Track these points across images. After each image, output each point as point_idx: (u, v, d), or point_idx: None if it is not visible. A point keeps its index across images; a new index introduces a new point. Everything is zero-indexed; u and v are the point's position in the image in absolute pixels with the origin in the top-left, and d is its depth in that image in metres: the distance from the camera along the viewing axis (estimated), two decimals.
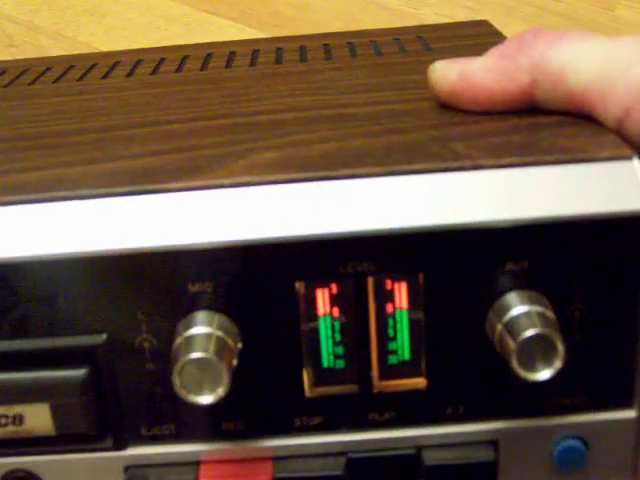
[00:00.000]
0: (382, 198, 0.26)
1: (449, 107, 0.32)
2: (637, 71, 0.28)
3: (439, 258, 0.27)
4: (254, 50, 0.47)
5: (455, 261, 0.27)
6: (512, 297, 0.26)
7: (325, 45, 0.47)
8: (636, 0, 0.70)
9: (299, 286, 0.27)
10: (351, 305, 0.27)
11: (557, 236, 0.26)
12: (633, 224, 0.26)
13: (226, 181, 0.27)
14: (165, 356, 0.27)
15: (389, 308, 0.27)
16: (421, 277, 0.27)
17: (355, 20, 0.71)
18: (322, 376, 0.28)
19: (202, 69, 0.44)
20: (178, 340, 0.26)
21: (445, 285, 0.27)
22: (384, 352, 0.28)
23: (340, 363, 0.28)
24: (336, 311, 0.27)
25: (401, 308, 0.27)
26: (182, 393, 0.25)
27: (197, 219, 0.26)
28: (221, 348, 0.25)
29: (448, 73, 0.32)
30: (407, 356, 0.28)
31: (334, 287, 0.27)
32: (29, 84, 0.43)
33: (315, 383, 0.28)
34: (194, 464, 0.29)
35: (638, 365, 0.28)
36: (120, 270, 0.26)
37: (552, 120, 0.30)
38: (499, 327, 0.26)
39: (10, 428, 0.27)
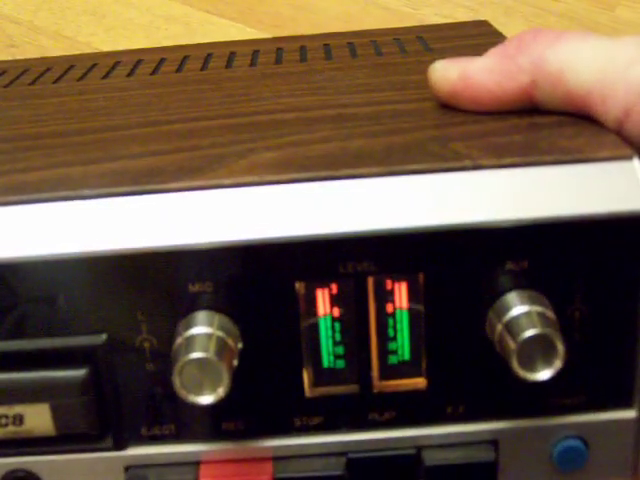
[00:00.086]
0: (382, 198, 0.26)
1: (449, 107, 0.32)
2: (637, 72, 0.28)
3: (439, 258, 0.27)
4: (254, 50, 0.47)
5: (455, 261, 0.27)
6: (512, 297, 0.26)
7: (325, 45, 0.47)
8: (636, 0, 0.70)
9: (299, 286, 0.27)
10: (351, 305, 0.27)
11: (557, 236, 0.26)
12: (633, 224, 0.26)
13: (226, 181, 0.27)
14: (165, 356, 0.27)
15: (389, 308, 0.27)
16: (421, 277, 0.27)
17: (355, 20, 0.71)
18: (322, 376, 0.28)
19: (202, 69, 0.44)
20: (178, 340, 0.26)
21: (445, 285, 0.27)
22: (384, 352, 0.28)
23: (340, 363, 0.28)
24: (336, 311, 0.27)
25: (401, 308, 0.27)
26: (182, 393, 0.25)
27: (198, 219, 0.26)
28: (221, 348, 0.25)
29: (448, 73, 0.32)
30: (407, 356, 0.28)
31: (334, 287, 0.27)
32: (29, 84, 0.43)
33: (315, 383, 0.28)
34: (194, 464, 0.29)
35: (638, 365, 0.28)
36: (120, 270, 0.26)
37: (552, 120, 0.30)
38: (499, 327, 0.26)
39: (10, 428, 0.27)
